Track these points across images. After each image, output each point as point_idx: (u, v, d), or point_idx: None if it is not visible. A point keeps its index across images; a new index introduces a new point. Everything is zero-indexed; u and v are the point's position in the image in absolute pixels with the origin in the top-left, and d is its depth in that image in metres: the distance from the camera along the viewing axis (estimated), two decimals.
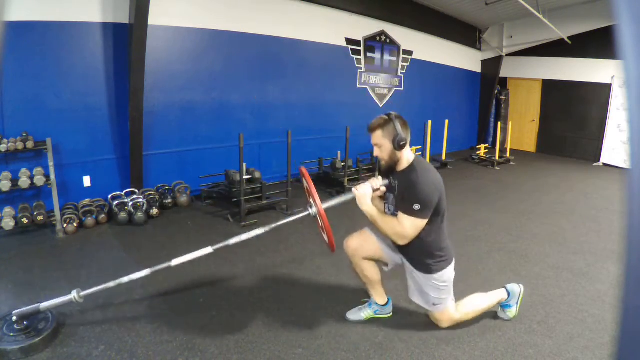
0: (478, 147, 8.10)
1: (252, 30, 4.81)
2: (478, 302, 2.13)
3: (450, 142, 7.80)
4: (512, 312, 2.22)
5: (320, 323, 2.18)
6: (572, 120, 8.25)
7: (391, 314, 2.25)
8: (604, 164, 7.70)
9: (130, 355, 1.86)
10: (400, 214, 1.83)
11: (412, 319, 2.24)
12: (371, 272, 2.14)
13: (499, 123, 8.40)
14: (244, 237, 1.99)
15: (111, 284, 1.96)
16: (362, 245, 2.09)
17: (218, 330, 2.09)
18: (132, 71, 3.65)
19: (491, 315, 2.30)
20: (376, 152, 1.90)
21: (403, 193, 1.83)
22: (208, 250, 2.00)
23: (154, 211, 3.82)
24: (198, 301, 2.38)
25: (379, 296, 2.21)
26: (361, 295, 2.40)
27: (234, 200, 3.94)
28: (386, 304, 2.23)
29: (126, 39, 3.77)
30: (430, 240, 1.89)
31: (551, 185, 5.94)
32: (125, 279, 1.97)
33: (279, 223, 2.02)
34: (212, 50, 4.54)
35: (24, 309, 1.90)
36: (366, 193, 1.87)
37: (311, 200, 1.90)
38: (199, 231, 3.55)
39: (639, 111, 0.44)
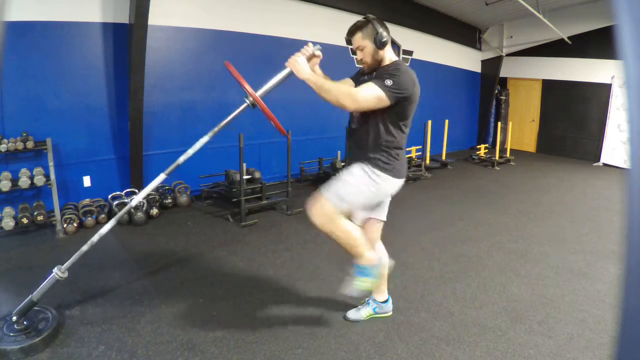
0: (478, 147, 8.10)
1: (252, 30, 4.81)
2: (352, 231, 1.82)
3: (450, 142, 7.80)
4: (366, 283, 1.88)
5: (320, 323, 2.18)
6: (572, 120, 8.25)
7: (391, 313, 2.25)
8: (604, 164, 7.70)
9: (130, 355, 1.86)
10: (367, 82, 1.73)
11: (412, 319, 2.24)
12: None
13: (499, 123, 8.40)
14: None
15: (84, 247, 1.97)
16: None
17: (218, 330, 2.09)
18: (132, 71, 3.65)
19: (491, 316, 2.30)
20: (359, 56, 1.85)
21: (379, 74, 1.75)
22: (162, 177, 1.96)
23: (154, 211, 3.82)
24: (198, 301, 2.38)
25: (380, 293, 2.20)
26: (361, 295, 2.40)
27: (234, 200, 3.94)
28: (386, 301, 2.22)
29: (126, 39, 3.77)
30: (391, 140, 1.80)
31: (551, 185, 5.94)
32: (95, 237, 1.98)
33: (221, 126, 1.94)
34: (212, 50, 4.54)
35: (20, 305, 1.90)
36: (300, 61, 1.76)
37: (244, 90, 1.78)
38: (199, 231, 3.55)
39: (639, 111, 0.44)
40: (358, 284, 1.88)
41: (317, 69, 1.95)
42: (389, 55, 1.85)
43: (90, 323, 2.10)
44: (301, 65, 1.77)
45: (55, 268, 1.94)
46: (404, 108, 1.78)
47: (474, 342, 2.04)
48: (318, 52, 1.88)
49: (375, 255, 1.91)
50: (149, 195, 3.90)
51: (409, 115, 1.83)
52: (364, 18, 1.82)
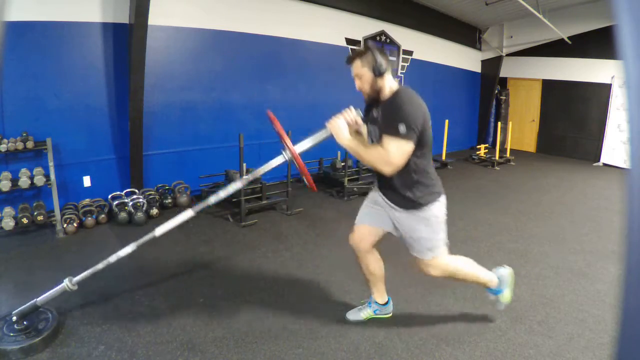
0: (478, 147, 8.10)
1: (252, 30, 4.81)
2: (471, 265, 2.06)
3: (450, 142, 7.79)
4: (505, 296, 2.15)
5: (320, 323, 2.18)
6: (572, 120, 8.25)
7: (391, 314, 2.25)
8: (604, 164, 7.70)
9: (130, 355, 1.86)
10: (384, 138, 1.73)
11: (412, 319, 2.24)
12: (375, 266, 2.13)
13: (499, 123, 8.40)
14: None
15: (100, 265, 1.95)
16: (363, 234, 2.06)
17: (218, 330, 2.09)
18: (132, 71, 3.65)
19: (491, 315, 2.30)
20: (357, 85, 1.86)
21: (387, 118, 1.76)
22: (189, 213, 1.96)
23: (154, 211, 3.81)
24: (198, 301, 2.38)
25: (380, 295, 2.21)
26: (361, 296, 2.40)
27: (234, 200, 3.94)
28: (386, 303, 2.23)
29: (126, 39, 3.77)
30: (417, 170, 1.82)
31: (551, 185, 5.94)
32: (112, 258, 1.95)
33: (254, 175, 1.95)
34: (212, 50, 4.54)
35: (22, 307, 1.90)
36: (341, 125, 1.80)
37: (284, 144, 1.82)
38: (199, 231, 3.55)
39: (639, 111, 0.44)
40: (500, 300, 2.16)
41: (353, 130, 1.95)
42: (389, 84, 1.82)
43: (90, 323, 2.10)
44: (342, 130, 1.80)
45: (66, 279, 1.94)
46: (421, 137, 1.76)
47: (474, 342, 2.04)
48: (359, 120, 1.90)
49: (492, 275, 2.12)
50: (149, 195, 3.91)
51: (428, 140, 1.82)
52: (363, 46, 1.83)
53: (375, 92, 1.83)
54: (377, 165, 1.73)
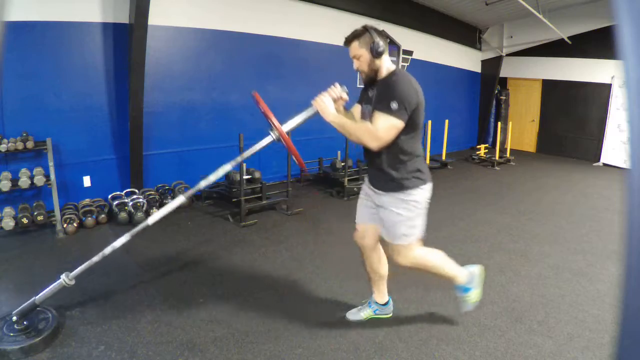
0: (478, 147, 8.10)
1: (252, 30, 4.81)
2: (439, 258, 2.02)
3: (450, 142, 7.79)
4: (472, 296, 2.08)
5: (320, 323, 2.18)
6: (572, 120, 8.25)
7: (391, 314, 2.25)
8: (604, 164, 7.70)
9: (130, 355, 1.86)
10: (375, 113, 1.73)
11: (412, 319, 2.24)
12: (378, 265, 2.12)
13: (499, 123, 8.39)
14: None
15: (95, 258, 1.96)
16: (364, 231, 2.06)
17: (218, 330, 2.09)
18: (132, 71, 3.65)
19: (491, 316, 2.30)
20: (355, 65, 1.85)
21: (380, 95, 1.76)
22: (181, 199, 2.02)
23: (154, 211, 3.81)
24: (198, 301, 2.38)
25: (380, 294, 2.21)
26: (361, 296, 2.40)
27: (234, 200, 3.94)
28: (386, 303, 2.23)
29: (126, 39, 3.77)
30: (404, 151, 1.81)
31: (551, 185, 5.94)
32: (108, 250, 1.96)
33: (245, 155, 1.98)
34: (212, 50, 4.54)
35: (21, 306, 1.90)
36: (326, 102, 1.80)
37: (271, 124, 1.83)
38: (199, 231, 3.55)
39: (639, 111, 0.44)
40: (467, 300, 2.09)
41: (341, 108, 1.95)
42: (386, 65, 1.83)
43: (91, 323, 2.10)
44: (327, 107, 1.80)
45: (63, 275, 1.94)
46: (412, 119, 1.76)
47: (474, 342, 2.04)
48: (345, 96, 1.89)
49: (463, 271, 2.06)
50: (149, 195, 3.91)
51: (419, 123, 1.81)
52: (362, 27, 1.81)
53: (373, 72, 1.83)
54: (364, 139, 1.73)
